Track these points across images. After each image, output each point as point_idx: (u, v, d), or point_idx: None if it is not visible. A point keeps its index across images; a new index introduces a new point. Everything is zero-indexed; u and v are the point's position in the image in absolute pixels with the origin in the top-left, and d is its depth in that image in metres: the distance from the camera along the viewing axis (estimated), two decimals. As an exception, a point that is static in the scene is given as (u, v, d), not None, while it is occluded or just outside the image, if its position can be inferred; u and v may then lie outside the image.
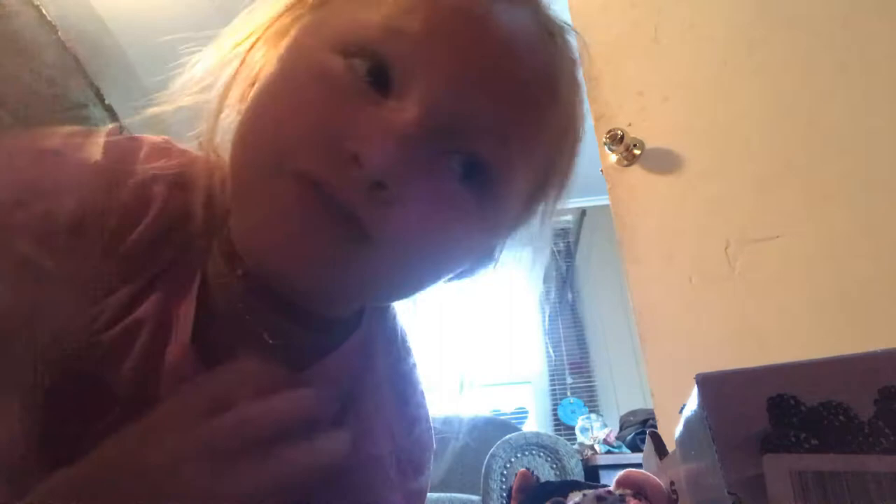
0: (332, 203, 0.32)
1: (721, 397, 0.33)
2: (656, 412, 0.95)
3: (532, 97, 0.38)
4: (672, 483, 0.49)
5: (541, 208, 0.47)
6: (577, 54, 0.43)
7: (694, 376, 0.35)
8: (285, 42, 0.40)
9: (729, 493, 0.30)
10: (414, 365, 0.58)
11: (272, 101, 0.37)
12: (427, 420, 0.56)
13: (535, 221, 0.48)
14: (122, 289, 0.37)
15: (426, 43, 0.34)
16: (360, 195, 0.32)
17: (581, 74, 0.44)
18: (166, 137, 0.45)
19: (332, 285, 0.37)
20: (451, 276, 0.48)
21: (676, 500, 0.48)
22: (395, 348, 0.56)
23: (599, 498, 0.52)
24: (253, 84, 0.42)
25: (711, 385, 0.33)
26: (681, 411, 0.41)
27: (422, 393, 0.57)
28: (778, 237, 0.90)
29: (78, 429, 0.35)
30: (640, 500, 0.51)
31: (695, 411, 0.35)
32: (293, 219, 0.33)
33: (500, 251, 0.50)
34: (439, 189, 0.35)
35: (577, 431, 2.53)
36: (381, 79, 0.34)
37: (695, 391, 0.35)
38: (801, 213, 0.90)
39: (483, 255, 0.50)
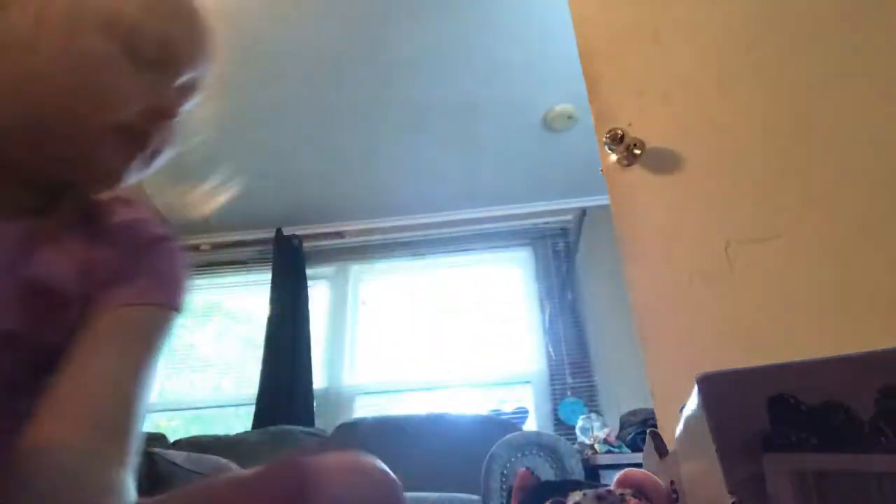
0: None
1: (721, 397, 0.33)
2: (656, 412, 0.94)
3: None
4: (672, 482, 0.49)
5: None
6: None
7: (694, 376, 0.35)
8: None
9: (729, 492, 0.30)
10: None
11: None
12: None
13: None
14: None
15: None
16: None
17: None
18: None
19: None
20: None
21: (676, 499, 0.48)
22: None
23: (599, 497, 0.52)
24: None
25: (711, 385, 0.33)
26: (681, 411, 0.41)
27: None
28: (778, 237, 0.90)
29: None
30: (640, 499, 0.51)
31: (695, 411, 0.35)
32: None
33: None
34: None
35: (577, 431, 2.52)
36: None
37: (695, 391, 0.35)
38: (801, 213, 0.90)
39: None
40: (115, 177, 0.52)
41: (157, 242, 0.56)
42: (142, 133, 0.52)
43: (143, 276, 0.53)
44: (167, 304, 0.53)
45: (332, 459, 0.47)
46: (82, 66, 0.48)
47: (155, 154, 0.54)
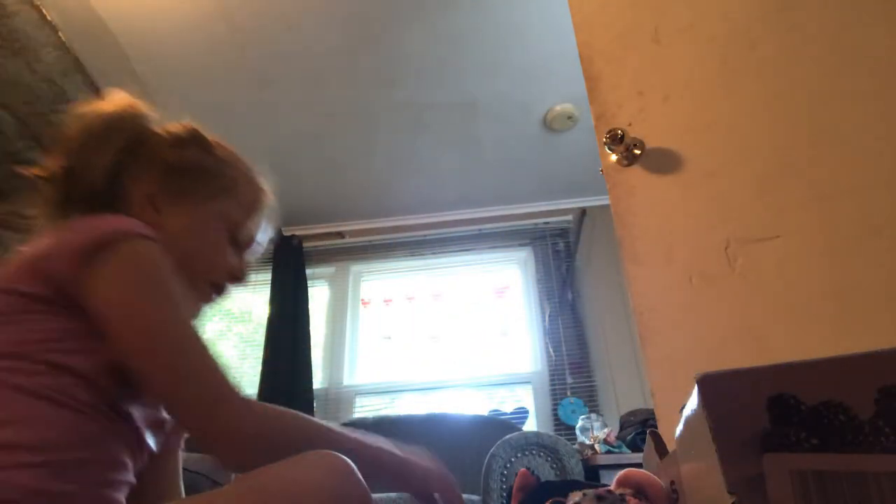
0: None
1: (721, 397, 0.33)
2: (656, 412, 0.95)
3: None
4: (672, 482, 0.49)
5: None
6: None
7: (694, 376, 0.35)
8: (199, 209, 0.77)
9: (729, 492, 0.30)
10: None
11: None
12: None
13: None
14: None
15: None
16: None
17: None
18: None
19: None
20: None
21: (676, 499, 0.48)
22: None
23: (599, 497, 0.52)
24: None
25: (711, 385, 0.33)
26: (681, 411, 0.41)
27: None
28: (778, 237, 0.90)
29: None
30: (640, 499, 0.51)
31: (695, 411, 0.35)
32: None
33: None
34: None
35: (577, 431, 2.52)
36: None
37: (695, 391, 0.35)
38: (801, 213, 0.90)
39: None
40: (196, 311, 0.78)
41: None
42: (221, 288, 0.78)
43: None
44: None
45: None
46: (207, 242, 0.77)
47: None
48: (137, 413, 0.64)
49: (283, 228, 3.49)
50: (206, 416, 0.59)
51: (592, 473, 2.16)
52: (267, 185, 0.85)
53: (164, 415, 0.70)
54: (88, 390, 0.58)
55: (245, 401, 0.61)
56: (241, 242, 0.80)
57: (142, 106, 0.79)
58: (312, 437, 0.62)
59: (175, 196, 0.74)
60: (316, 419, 0.65)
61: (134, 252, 0.62)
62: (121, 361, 0.61)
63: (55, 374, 0.57)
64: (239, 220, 0.79)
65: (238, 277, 0.79)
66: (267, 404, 0.63)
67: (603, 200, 2.73)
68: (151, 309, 0.61)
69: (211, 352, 0.62)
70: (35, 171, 0.72)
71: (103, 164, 0.71)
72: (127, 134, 0.75)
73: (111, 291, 0.60)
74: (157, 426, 0.69)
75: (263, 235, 0.84)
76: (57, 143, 0.73)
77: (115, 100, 0.77)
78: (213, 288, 0.77)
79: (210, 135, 0.82)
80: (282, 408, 0.64)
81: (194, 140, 0.80)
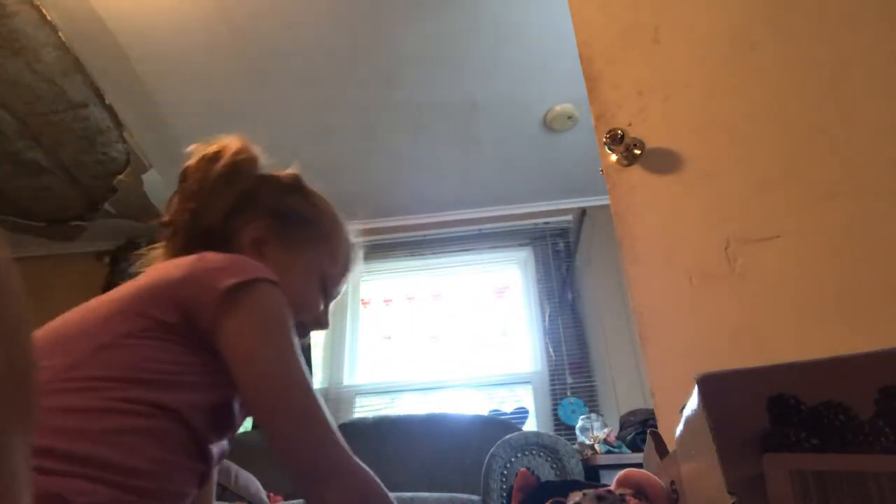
0: None
1: (721, 397, 0.33)
2: (656, 412, 0.95)
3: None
4: (672, 482, 0.49)
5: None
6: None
7: (694, 376, 0.35)
8: (300, 253, 0.81)
9: (729, 492, 0.30)
10: None
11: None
12: None
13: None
14: None
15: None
16: None
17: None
18: None
19: None
20: None
21: (676, 499, 0.48)
22: None
23: (599, 497, 0.52)
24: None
25: (711, 385, 0.33)
26: (681, 411, 0.41)
27: None
28: (778, 237, 0.90)
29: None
30: (640, 499, 0.51)
31: (695, 411, 0.35)
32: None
33: None
34: None
35: (577, 431, 2.52)
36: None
37: (695, 391, 0.35)
38: (801, 213, 0.90)
39: None
40: None
41: None
42: (304, 330, 0.80)
43: None
44: None
45: None
46: (303, 288, 0.80)
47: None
48: (215, 451, 0.66)
49: (283, 228, 3.49)
50: (313, 465, 0.61)
51: (592, 473, 2.16)
52: (353, 236, 0.90)
53: (227, 447, 0.72)
54: (179, 425, 0.59)
55: (349, 459, 0.63)
56: (328, 292, 0.84)
57: (255, 149, 0.84)
58: None
59: (280, 242, 0.79)
60: None
61: (266, 296, 0.66)
62: (216, 405, 0.63)
63: (155, 406, 0.58)
64: (331, 271, 0.83)
65: (323, 324, 0.83)
66: (368, 472, 0.65)
67: (603, 200, 2.73)
68: (275, 355, 0.64)
69: (321, 402, 0.64)
70: (165, 220, 0.79)
71: (224, 207, 0.77)
72: (244, 178, 0.80)
73: (241, 332, 0.62)
74: (220, 460, 0.71)
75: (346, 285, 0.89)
76: (180, 186, 0.80)
77: (232, 144, 0.81)
78: (300, 330, 0.78)
79: (311, 185, 0.89)
80: (378, 482, 0.66)
81: (298, 189, 0.87)
